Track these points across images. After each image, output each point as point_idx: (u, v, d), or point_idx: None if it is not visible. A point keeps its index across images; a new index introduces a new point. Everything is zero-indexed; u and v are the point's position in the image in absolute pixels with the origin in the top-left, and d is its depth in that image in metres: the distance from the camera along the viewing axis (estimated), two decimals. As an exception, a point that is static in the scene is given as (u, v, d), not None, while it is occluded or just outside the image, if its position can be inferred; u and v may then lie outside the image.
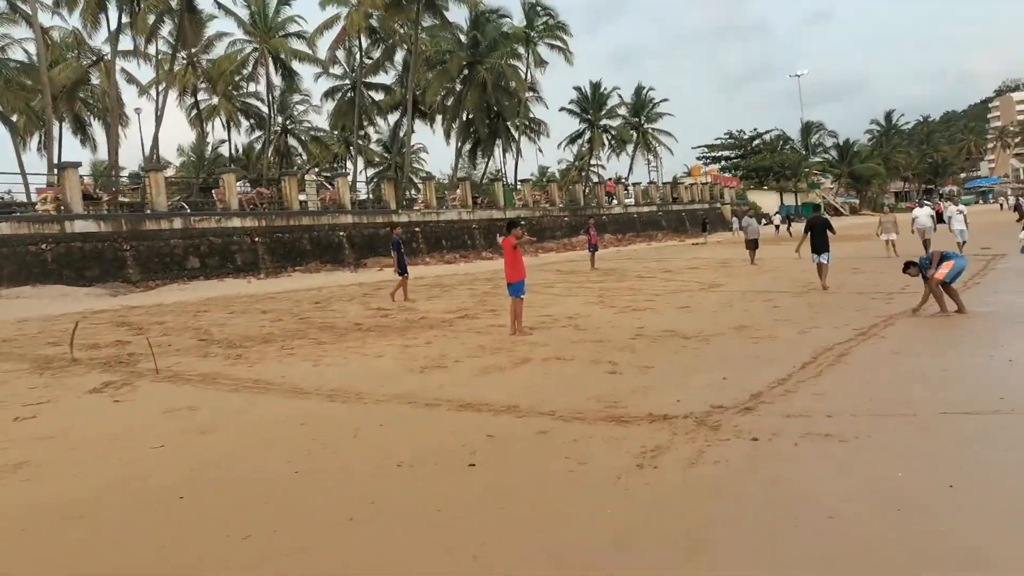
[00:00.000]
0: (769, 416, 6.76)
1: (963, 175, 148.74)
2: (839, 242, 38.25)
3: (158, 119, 48.79)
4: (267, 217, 28.83)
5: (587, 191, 53.32)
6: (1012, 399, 6.88)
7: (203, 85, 64.67)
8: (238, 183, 29.33)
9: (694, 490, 5.10)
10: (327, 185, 43.74)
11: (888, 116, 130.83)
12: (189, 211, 27.72)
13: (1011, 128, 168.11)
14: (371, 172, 75.95)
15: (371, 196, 50.12)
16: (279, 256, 28.40)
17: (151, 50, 53.82)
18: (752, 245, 26.75)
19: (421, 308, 16.26)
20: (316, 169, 73.63)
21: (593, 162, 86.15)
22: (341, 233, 31.15)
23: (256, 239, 27.67)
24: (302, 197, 31.94)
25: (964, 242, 23.05)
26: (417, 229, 34.98)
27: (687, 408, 7.12)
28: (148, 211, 26.32)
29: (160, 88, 57.72)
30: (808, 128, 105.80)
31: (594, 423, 6.82)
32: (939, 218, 46.08)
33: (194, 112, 65.61)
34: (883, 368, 8.69)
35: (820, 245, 18.12)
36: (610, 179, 59.84)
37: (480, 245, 37.98)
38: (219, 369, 10.25)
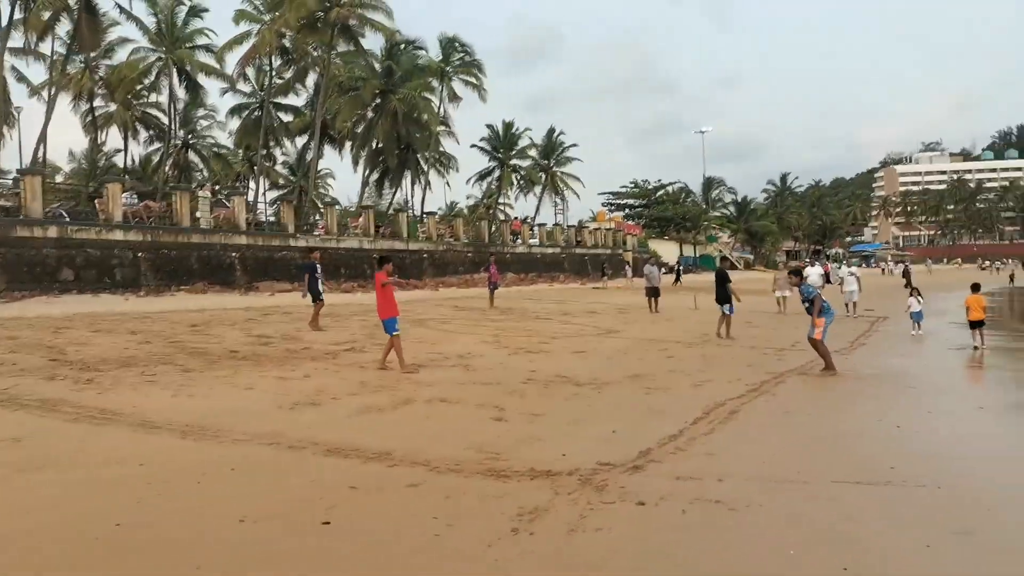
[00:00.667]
0: (658, 477, 6.33)
1: (848, 239, 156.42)
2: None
3: (46, 121, 46.20)
4: (154, 232, 27.24)
5: (493, 229, 53.14)
6: (902, 469, 6.66)
7: (101, 91, 61.77)
8: (125, 194, 27.69)
9: (571, 565, 4.56)
10: (226, 203, 42.18)
11: (783, 178, 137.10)
12: (68, 220, 25.90)
13: (893, 198, 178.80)
14: (275, 194, 73.96)
15: (274, 218, 48.56)
16: (164, 274, 26.83)
17: (47, 49, 51.20)
18: (652, 292, 26.82)
19: (306, 338, 15.38)
20: (217, 187, 71.21)
21: (501, 201, 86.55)
22: (233, 254, 29.78)
23: (140, 254, 26.05)
24: (198, 214, 30.46)
25: (855, 303, 23.56)
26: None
27: (573, 463, 6.63)
28: (21, 217, 24.48)
29: (52, 90, 55.01)
30: (709, 183, 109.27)
31: (471, 476, 6.24)
32: (827, 278, 48.11)
33: (88, 118, 62.46)
34: (775, 428, 8.45)
35: (721, 296, 18.37)
36: (516, 218, 59.92)
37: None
38: (64, 395, 9.19)
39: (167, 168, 69.15)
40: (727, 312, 18.57)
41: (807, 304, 12.51)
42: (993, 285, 56.43)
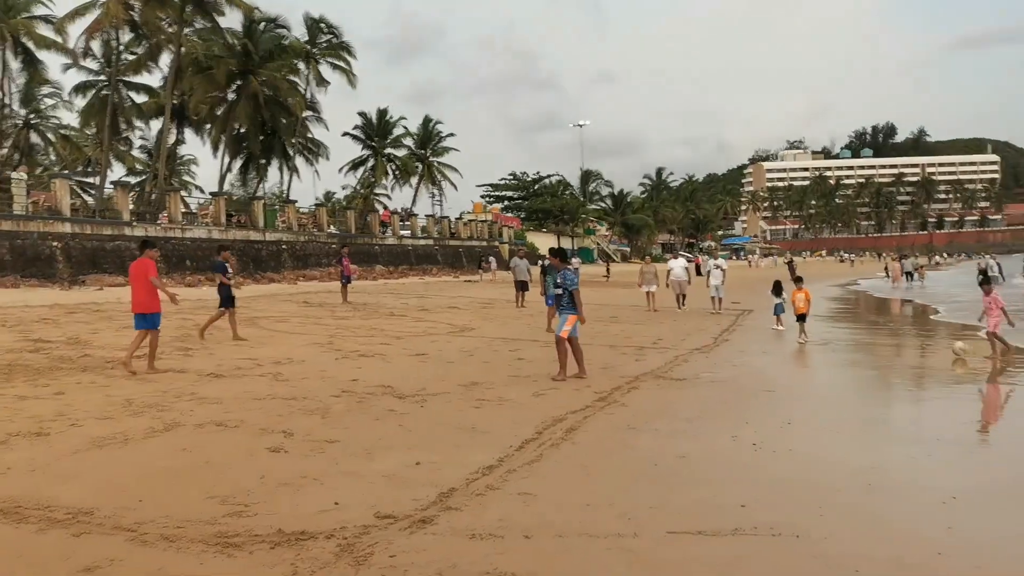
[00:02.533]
0: (446, 537, 4.79)
1: (720, 232, 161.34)
2: (607, 288, 38.59)
3: None
4: (-56, 217, 23.87)
5: (360, 219, 50.84)
6: (754, 508, 5.39)
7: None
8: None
9: None
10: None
11: (659, 172, 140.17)
12: None
13: (761, 193, 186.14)
14: (134, 181, 68.75)
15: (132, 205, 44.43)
16: (-37, 266, 23.54)
17: None
18: (520, 286, 25.55)
19: (96, 342, 13.11)
20: (65, 171, 65.80)
21: (379, 191, 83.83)
22: (55, 243, 26.52)
23: (-70, 242, 22.71)
24: (15, 199, 27.00)
25: (720, 299, 22.63)
26: (155, 246, 30.85)
27: (341, 518, 5.03)
28: None
29: None
30: (587, 176, 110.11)
31: (187, 548, 4.53)
32: (698, 270, 48.12)
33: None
34: (613, 452, 7.09)
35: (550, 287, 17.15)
36: (386, 208, 57.70)
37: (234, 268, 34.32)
38: None
39: (2, 150, 63.25)
40: (549, 304, 17.48)
41: (566, 295, 10.86)
42: (851, 278, 58.60)
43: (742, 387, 10.74)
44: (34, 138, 65.35)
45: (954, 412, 9.53)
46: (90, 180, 55.03)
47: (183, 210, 33.35)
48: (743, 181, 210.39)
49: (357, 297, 26.77)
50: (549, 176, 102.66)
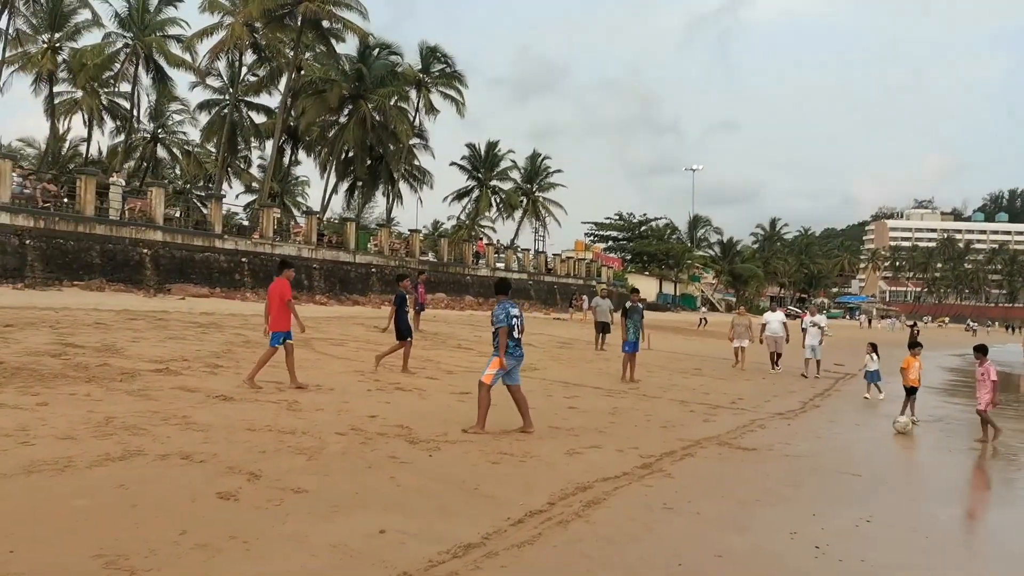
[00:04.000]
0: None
1: (835, 289, 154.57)
2: (699, 337, 36.58)
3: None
4: (48, 218, 24.35)
5: (457, 249, 50.37)
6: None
7: (64, 75, 58.79)
8: (16, 175, 24.80)
9: None
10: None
11: (773, 223, 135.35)
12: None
13: (883, 252, 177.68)
14: (250, 198, 70.97)
15: (249, 222, 45.37)
16: (56, 266, 23.89)
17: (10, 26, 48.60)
18: (601, 328, 24.15)
19: (127, 352, 12.50)
20: (187, 186, 68.62)
21: (484, 223, 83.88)
22: (145, 251, 26.86)
23: (28, 241, 23.19)
24: (112, 204, 27.57)
25: (818, 362, 20.06)
26: (244, 260, 30.99)
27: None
28: None
29: (12, 69, 52.37)
30: (696, 221, 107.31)
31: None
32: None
33: (47, 102, 59.33)
34: (632, 539, 5.69)
35: (631, 333, 15.67)
36: (480, 239, 57.20)
37: (318, 288, 34.25)
38: None
39: (130, 162, 66.37)
40: (626, 350, 16.04)
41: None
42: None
43: (821, 466, 9.07)
44: (161, 152, 68.39)
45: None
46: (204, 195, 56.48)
47: (274, 227, 33.41)
48: (864, 238, 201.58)
49: (433, 326, 25.94)
50: (656, 219, 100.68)
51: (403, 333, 14.17)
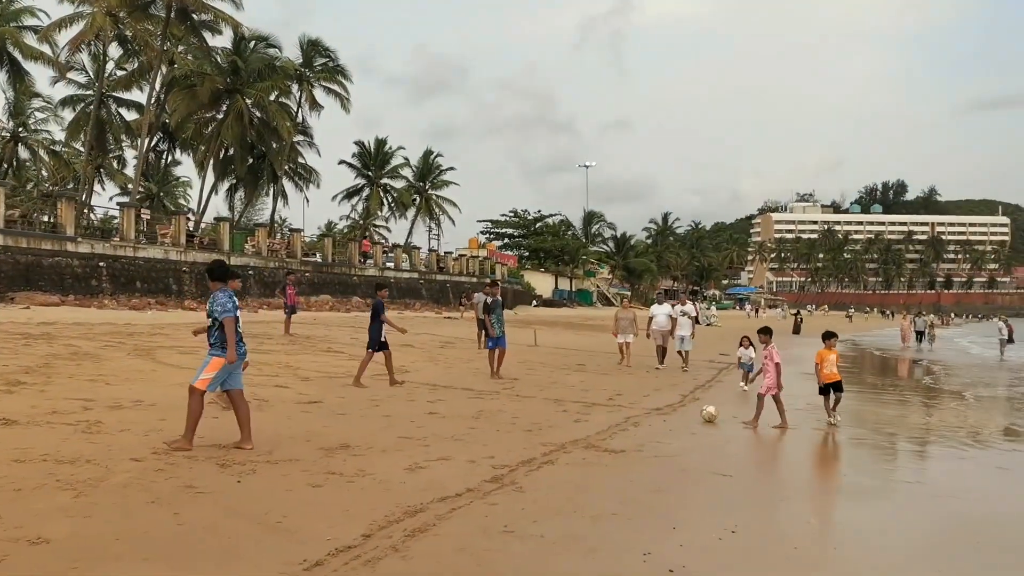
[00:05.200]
0: None
1: (725, 281, 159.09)
2: (590, 332, 36.22)
3: None
4: None
5: (338, 249, 48.59)
6: None
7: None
8: None
9: None
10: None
11: (665, 217, 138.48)
12: None
13: (769, 244, 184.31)
14: (125, 199, 66.90)
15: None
16: None
17: None
18: (482, 325, 23.19)
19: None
20: (55, 188, 64.18)
21: (379, 223, 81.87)
22: (-18, 256, 24.42)
23: None
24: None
25: (686, 352, 19.17)
26: (102, 264, 28.63)
27: None
28: None
29: None
30: (590, 217, 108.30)
31: None
32: (696, 320, 45.51)
33: None
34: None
35: (496, 328, 14.92)
36: (366, 238, 55.59)
37: (188, 292, 32.11)
38: None
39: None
40: (490, 346, 15.48)
41: (214, 328, 7.71)
42: (853, 334, 55.93)
43: (691, 467, 8.37)
44: (23, 153, 63.70)
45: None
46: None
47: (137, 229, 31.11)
48: (751, 231, 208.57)
49: (310, 329, 24.48)
50: (552, 215, 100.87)
51: (375, 343, 13.23)
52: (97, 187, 63.31)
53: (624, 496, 6.90)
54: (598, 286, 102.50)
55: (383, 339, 13.34)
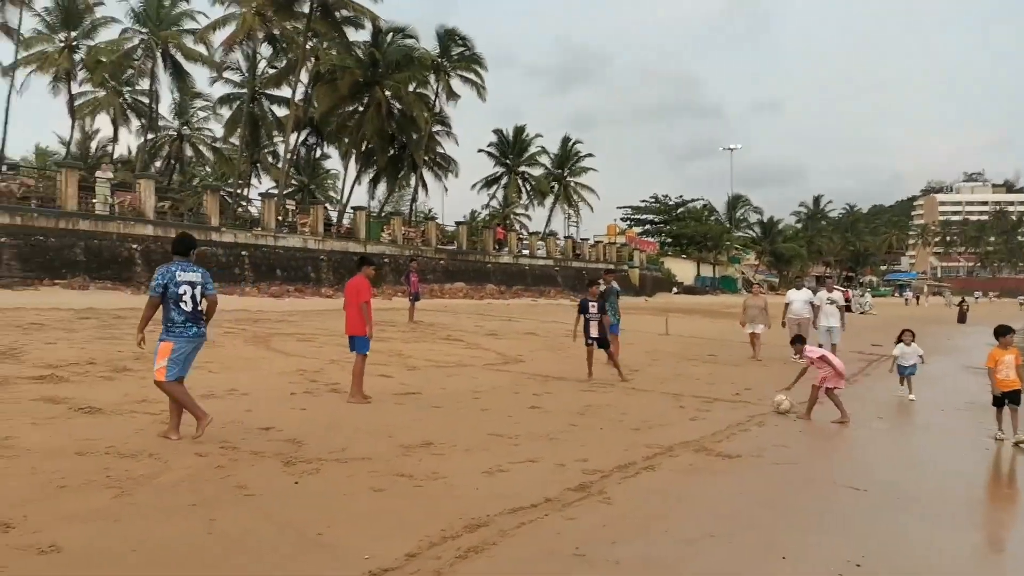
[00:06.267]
0: None
1: (884, 267, 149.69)
2: (729, 319, 34.45)
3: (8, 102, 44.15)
4: (24, 214, 23.28)
5: (476, 237, 48.73)
6: None
7: (83, 73, 58.20)
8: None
9: None
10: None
11: (816, 200, 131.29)
12: None
13: (932, 227, 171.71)
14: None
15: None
16: (35, 265, 22.80)
17: (22, 25, 48.04)
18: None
19: (33, 353, 11.06)
20: (216, 182, 68.06)
21: (519, 211, 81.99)
22: (135, 246, 25.69)
23: (2, 239, 22.08)
24: (96, 199, 26.34)
25: (833, 345, 16.75)
26: (244, 253, 29.71)
27: None
28: None
29: (30, 69, 52.02)
30: (735, 201, 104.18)
31: None
32: (848, 307, 42.31)
33: (67, 102, 58.82)
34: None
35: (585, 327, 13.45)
36: (500, 225, 55.43)
37: (326, 280, 32.88)
38: None
39: (158, 162, 66.02)
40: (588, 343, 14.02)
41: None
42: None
43: (816, 477, 7.24)
44: (188, 150, 67.77)
45: None
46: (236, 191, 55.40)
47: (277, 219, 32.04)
48: (913, 214, 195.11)
49: (436, 317, 24.33)
50: (693, 200, 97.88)
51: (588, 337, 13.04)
52: (254, 180, 66.66)
53: (729, 512, 5.93)
54: (743, 272, 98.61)
55: (596, 335, 12.78)
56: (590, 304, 13.05)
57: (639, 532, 5.34)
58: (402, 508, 5.54)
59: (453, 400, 10.18)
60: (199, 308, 7.04)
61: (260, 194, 37.50)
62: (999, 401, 9.33)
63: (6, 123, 64.52)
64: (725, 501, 6.26)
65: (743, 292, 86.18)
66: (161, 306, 6.98)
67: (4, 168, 40.07)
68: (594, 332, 12.88)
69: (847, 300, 44.97)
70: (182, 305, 6.92)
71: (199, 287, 7.05)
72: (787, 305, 18.31)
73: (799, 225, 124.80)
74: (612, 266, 26.59)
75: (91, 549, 4.39)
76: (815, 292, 18.68)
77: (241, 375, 10.85)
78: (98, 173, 27.95)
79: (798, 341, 10.91)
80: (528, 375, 13.10)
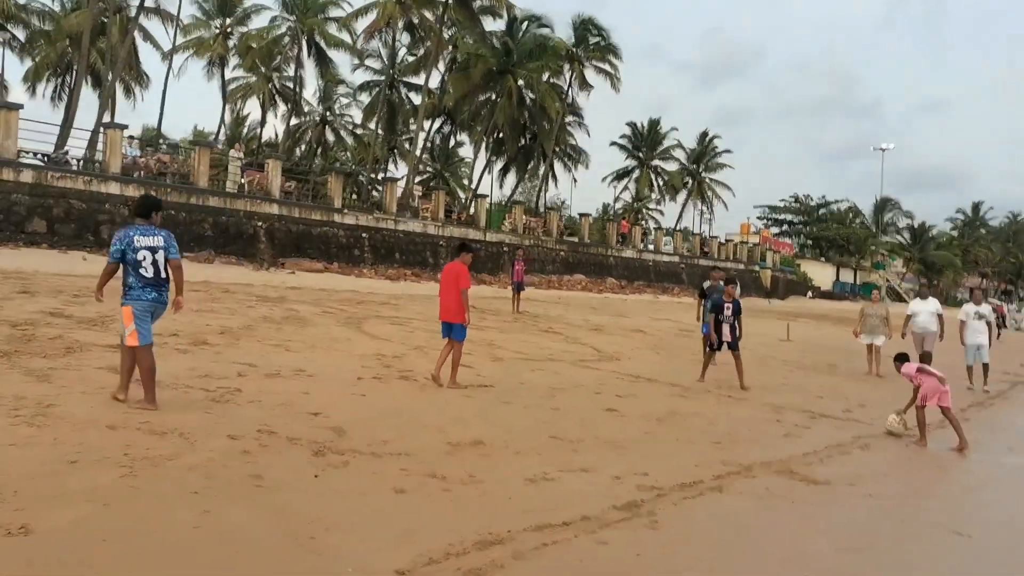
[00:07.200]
0: None
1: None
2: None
3: (166, 84, 47.19)
4: (158, 188, 24.38)
5: (604, 229, 47.84)
6: None
7: (236, 59, 61.06)
8: (127, 146, 24.99)
9: None
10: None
11: (976, 207, 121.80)
12: (44, 164, 23.31)
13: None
14: (416, 180, 71.47)
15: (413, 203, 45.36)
16: (166, 238, 23.84)
17: (182, 13, 50.88)
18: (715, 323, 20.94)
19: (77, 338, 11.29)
20: (354, 167, 70.13)
21: (652, 206, 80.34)
22: (259, 223, 26.50)
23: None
24: (231, 177, 27.37)
25: (985, 365, 14.98)
26: (364, 235, 30.17)
27: None
28: None
29: (188, 54, 55.13)
30: (883, 204, 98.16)
31: None
32: (1002, 322, 38.56)
33: (219, 86, 61.83)
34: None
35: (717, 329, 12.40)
36: (624, 218, 54.16)
37: (443, 265, 32.97)
38: None
39: (303, 145, 68.57)
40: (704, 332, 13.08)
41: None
42: None
43: (912, 517, 6.23)
44: (329, 135, 70.11)
45: None
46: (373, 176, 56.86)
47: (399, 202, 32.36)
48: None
49: (546, 308, 23.89)
50: (837, 201, 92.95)
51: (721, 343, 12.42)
52: (391, 167, 68.24)
53: (796, 552, 5.10)
54: (887, 280, 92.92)
55: (729, 338, 12.15)
56: (725, 305, 12.23)
57: (677, 568, 4.62)
58: (417, 514, 5.05)
59: (526, 396, 9.62)
60: (162, 275, 6.82)
61: (383, 178, 38.02)
62: None
63: (163, 104, 68.49)
64: (794, 537, 5.42)
65: (886, 300, 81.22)
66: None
67: (164, 145, 42.57)
68: (727, 334, 12.08)
69: (1001, 315, 41.26)
70: (141, 271, 6.69)
71: (160, 252, 6.79)
72: (909, 316, 16.37)
73: (954, 233, 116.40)
74: (717, 264, 25.22)
75: (62, 535, 4.11)
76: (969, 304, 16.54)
77: (318, 355, 10.70)
78: (231, 153, 29.03)
79: (900, 359, 9.61)
80: (619, 374, 12.36)
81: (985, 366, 15.00)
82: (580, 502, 5.57)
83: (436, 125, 63.40)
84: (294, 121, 64.68)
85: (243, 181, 27.69)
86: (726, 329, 12.14)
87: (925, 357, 14.73)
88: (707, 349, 12.79)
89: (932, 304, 16.07)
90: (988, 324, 15.19)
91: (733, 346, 12.16)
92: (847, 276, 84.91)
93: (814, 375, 15.18)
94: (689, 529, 5.34)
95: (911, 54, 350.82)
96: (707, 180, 75.62)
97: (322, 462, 5.90)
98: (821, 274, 77.62)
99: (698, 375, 12.46)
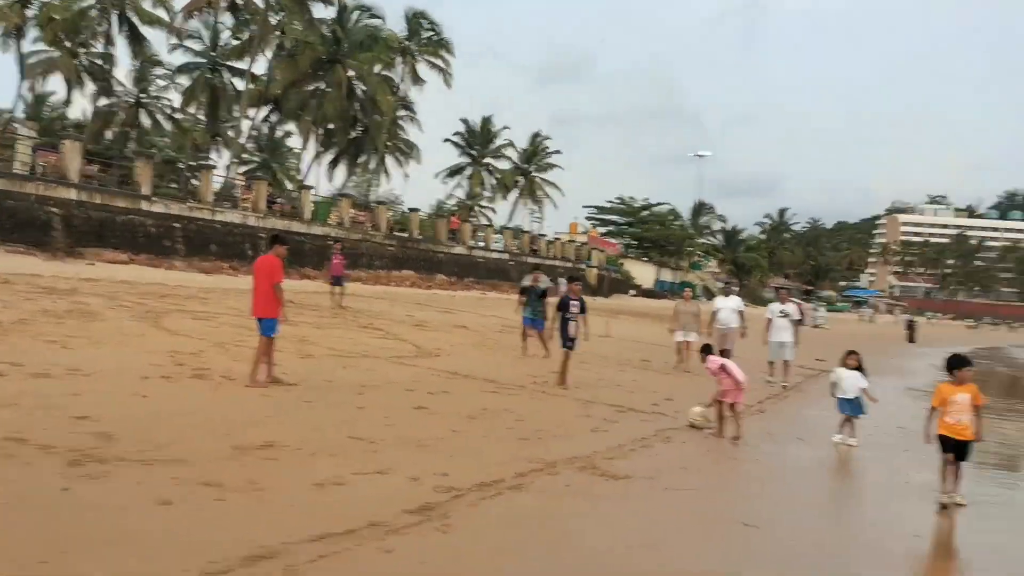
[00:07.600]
0: None
1: (843, 283, 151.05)
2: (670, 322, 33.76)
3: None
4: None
5: (434, 225, 47.57)
6: None
7: (37, 32, 55.68)
8: None
9: None
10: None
11: (781, 212, 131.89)
12: None
13: (893, 246, 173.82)
14: (242, 170, 67.96)
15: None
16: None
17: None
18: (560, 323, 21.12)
19: None
20: (174, 155, 65.69)
21: (484, 204, 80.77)
22: (54, 209, 24.18)
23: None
24: (24, 157, 24.79)
25: (785, 362, 15.61)
26: (177, 225, 28.29)
27: None
28: None
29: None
30: (700, 208, 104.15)
31: None
32: (800, 320, 41.68)
33: (16, 60, 56.23)
34: None
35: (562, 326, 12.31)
36: (454, 215, 54.30)
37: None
38: None
39: (113, 128, 63.58)
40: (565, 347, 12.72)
41: None
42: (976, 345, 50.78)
43: (708, 510, 6.35)
44: (145, 119, 65.45)
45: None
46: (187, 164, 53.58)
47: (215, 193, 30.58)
48: (875, 232, 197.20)
49: (369, 304, 23.27)
50: (659, 204, 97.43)
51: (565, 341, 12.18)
52: (215, 155, 64.61)
53: (588, 552, 4.99)
54: (703, 279, 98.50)
55: (573, 335, 11.97)
56: (571, 303, 12.03)
57: (461, 574, 4.37)
58: (179, 529, 4.53)
59: (333, 395, 9.16)
60: None
61: (199, 164, 35.94)
62: (945, 447, 7.00)
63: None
64: (588, 535, 5.33)
65: (701, 299, 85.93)
66: None
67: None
68: (572, 332, 11.92)
69: (801, 313, 44.69)
70: None
71: None
72: (714, 313, 16.97)
73: (763, 236, 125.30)
74: (538, 263, 25.77)
75: None
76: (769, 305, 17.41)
77: (102, 352, 9.74)
78: (20, 130, 26.37)
79: (705, 351, 9.94)
80: (436, 371, 12.10)
81: (787, 363, 15.75)
82: (370, 507, 5.23)
83: (263, 114, 60.79)
84: (104, 101, 59.88)
85: (41, 163, 25.17)
86: (572, 327, 12.02)
87: (706, 348, 15.18)
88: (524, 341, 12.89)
89: (734, 301, 16.87)
90: (792, 322, 16.00)
91: (571, 345, 12.01)
92: (667, 275, 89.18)
93: (628, 370, 15.56)
94: (482, 531, 5.13)
95: (729, 69, 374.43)
96: (538, 179, 77.16)
97: (77, 473, 5.23)
98: (644, 273, 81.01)
99: (499, 374, 12.34)
